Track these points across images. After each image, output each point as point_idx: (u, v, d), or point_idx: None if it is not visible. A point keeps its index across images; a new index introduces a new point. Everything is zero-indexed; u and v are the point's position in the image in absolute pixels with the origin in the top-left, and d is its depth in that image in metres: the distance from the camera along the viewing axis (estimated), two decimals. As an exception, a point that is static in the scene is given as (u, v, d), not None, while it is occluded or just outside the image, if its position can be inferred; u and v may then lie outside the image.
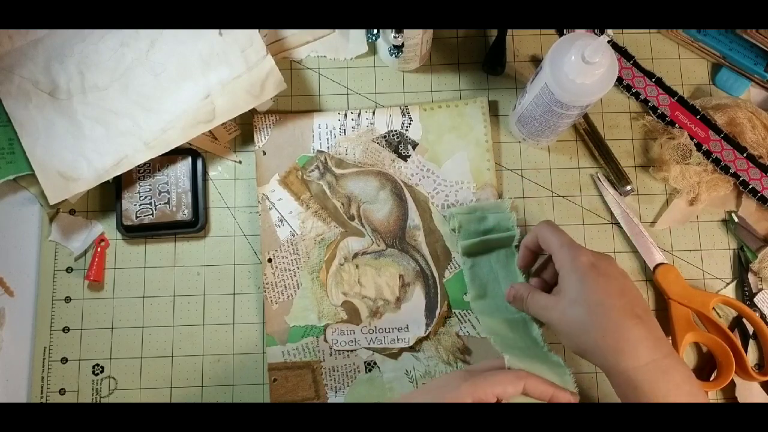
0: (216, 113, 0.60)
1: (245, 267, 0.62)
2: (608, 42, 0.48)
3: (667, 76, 0.65)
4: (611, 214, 0.63)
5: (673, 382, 0.46)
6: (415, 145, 0.63)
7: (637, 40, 0.67)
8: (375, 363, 0.60)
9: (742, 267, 0.62)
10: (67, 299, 0.61)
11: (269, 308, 0.60)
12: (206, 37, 0.61)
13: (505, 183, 0.64)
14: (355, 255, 0.61)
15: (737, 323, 0.61)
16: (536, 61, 0.67)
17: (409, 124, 0.64)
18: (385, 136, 0.64)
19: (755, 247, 0.62)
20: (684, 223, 0.63)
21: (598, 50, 0.49)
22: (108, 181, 0.59)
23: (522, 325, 0.56)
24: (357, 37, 0.66)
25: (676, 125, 0.64)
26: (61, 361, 0.60)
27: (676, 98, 0.64)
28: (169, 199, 0.61)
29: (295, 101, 0.65)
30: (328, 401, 0.59)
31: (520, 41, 0.67)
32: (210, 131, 0.63)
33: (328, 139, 0.63)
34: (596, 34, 0.60)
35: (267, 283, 0.60)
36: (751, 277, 0.62)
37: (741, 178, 0.62)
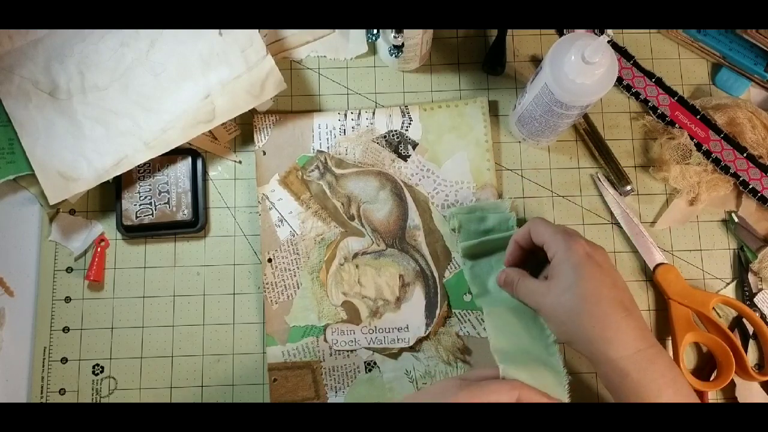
0: (216, 113, 0.60)
1: (245, 267, 0.62)
2: (608, 42, 0.48)
3: (667, 76, 0.65)
4: (611, 214, 0.63)
5: (658, 371, 0.48)
6: (415, 145, 0.63)
7: (637, 40, 0.67)
8: (375, 363, 0.60)
9: (742, 267, 0.62)
10: (67, 299, 0.61)
11: (269, 308, 0.60)
12: (206, 37, 0.61)
13: (505, 183, 0.64)
14: (355, 255, 0.61)
15: (737, 323, 0.61)
16: (536, 61, 0.67)
17: (409, 124, 0.64)
18: (385, 136, 0.64)
19: (755, 247, 0.62)
20: (684, 223, 0.63)
21: (598, 50, 0.49)
22: (108, 181, 0.59)
23: (529, 315, 0.55)
24: (357, 37, 0.66)
25: (676, 125, 0.64)
26: (61, 361, 0.60)
27: (676, 98, 0.64)
28: (169, 199, 0.61)
29: (295, 101, 0.65)
30: (328, 401, 0.59)
31: (520, 41, 0.67)
32: (210, 131, 0.63)
33: (328, 139, 0.63)
34: (596, 34, 0.60)
35: (267, 283, 0.60)
36: (751, 277, 0.62)
37: (741, 178, 0.62)
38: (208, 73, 0.60)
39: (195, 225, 0.61)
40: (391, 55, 0.61)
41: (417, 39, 0.59)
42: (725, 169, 0.63)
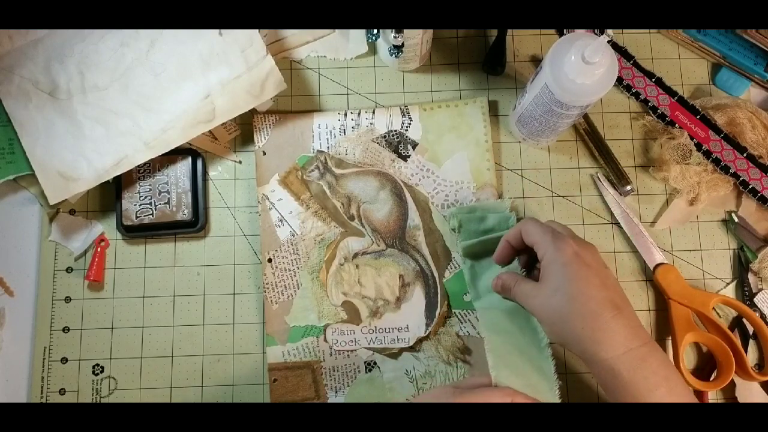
0: (216, 113, 0.60)
1: (245, 267, 0.62)
2: (608, 42, 0.48)
3: (667, 76, 0.65)
4: (611, 214, 0.63)
5: (650, 369, 0.48)
6: (414, 145, 0.63)
7: (637, 40, 0.67)
8: (375, 363, 0.60)
9: (742, 267, 0.62)
10: (67, 299, 0.61)
11: (269, 308, 0.60)
12: (206, 37, 0.61)
13: (505, 183, 0.64)
14: (355, 255, 0.61)
15: (737, 323, 0.61)
16: (536, 61, 0.67)
17: (409, 124, 0.64)
18: (384, 136, 0.64)
19: (755, 247, 0.62)
20: (684, 223, 0.63)
21: (598, 50, 0.49)
22: (108, 181, 0.59)
23: (523, 316, 0.56)
24: (357, 37, 0.66)
25: (676, 125, 0.64)
26: (61, 361, 0.60)
27: (676, 98, 0.64)
28: (169, 199, 0.61)
29: (295, 101, 0.65)
30: (328, 401, 0.59)
31: (520, 41, 0.67)
32: (210, 131, 0.63)
33: (328, 139, 0.63)
34: (596, 34, 0.60)
35: (267, 283, 0.60)
36: (751, 277, 0.62)
37: (741, 178, 0.62)
38: (208, 73, 0.60)
39: (195, 225, 0.61)
40: (391, 55, 0.61)
41: (417, 39, 0.59)
42: (725, 169, 0.63)
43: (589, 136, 0.65)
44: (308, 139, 0.63)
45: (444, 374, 0.59)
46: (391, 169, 0.63)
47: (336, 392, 0.59)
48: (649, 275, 0.62)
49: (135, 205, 0.61)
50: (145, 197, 0.61)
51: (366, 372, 0.60)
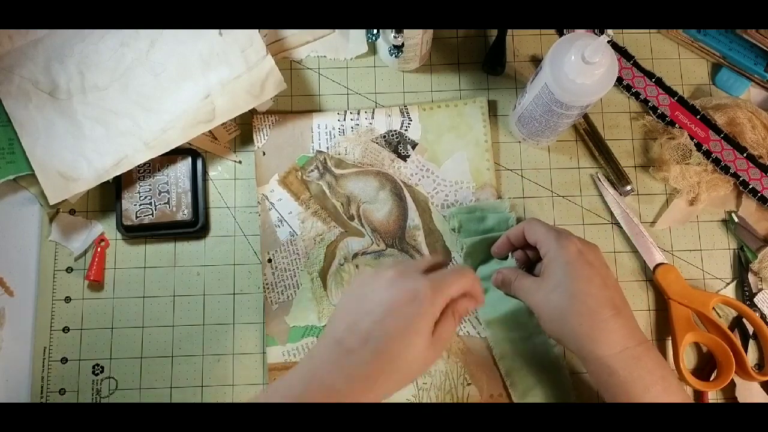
0: (216, 113, 0.60)
1: (245, 267, 0.62)
2: (608, 42, 0.48)
3: (667, 76, 0.65)
4: (611, 214, 0.63)
5: (645, 368, 0.48)
6: (414, 145, 0.63)
7: (637, 40, 0.67)
8: (375, 363, 0.60)
9: (742, 267, 0.62)
10: (67, 299, 0.61)
11: (269, 308, 0.60)
12: (206, 37, 0.61)
13: (505, 183, 0.64)
14: (355, 255, 0.61)
15: (737, 323, 0.61)
16: (536, 61, 0.67)
17: (409, 124, 0.64)
18: (384, 136, 0.64)
19: (755, 247, 0.62)
20: (684, 223, 0.63)
21: (598, 50, 0.49)
22: (108, 181, 0.59)
23: (525, 313, 0.56)
24: (357, 37, 0.66)
25: (676, 125, 0.64)
26: (61, 361, 0.60)
27: (676, 98, 0.64)
28: (169, 199, 0.61)
29: (295, 101, 0.65)
30: (328, 401, 0.59)
31: (520, 41, 0.67)
32: (210, 131, 0.63)
33: (327, 139, 0.63)
34: (596, 34, 0.60)
35: (267, 284, 0.60)
36: (751, 277, 0.62)
37: (741, 178, 0.62)
38: (208, 73, 0.60)
39: (195, 225, 0.61)
40: (391, 55, 0.61)
41: (417, 39, 0.59)
42: (725, 169, 0.63)
43: (589, 136, 0.65)
44: (308, 139, 0.63)
45: (444, 374, 0.59)
46: (390, 169, 0.63)
47: (336, 392, 0.59)
48: (649, 275, 0.62)
49: (135, 205, 0.61)
50: (145, 197, 0.61)
51: (366, 372, 0.59)
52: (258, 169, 0.62)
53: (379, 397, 0.44)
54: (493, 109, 0.65)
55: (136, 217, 0.60)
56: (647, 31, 0.68)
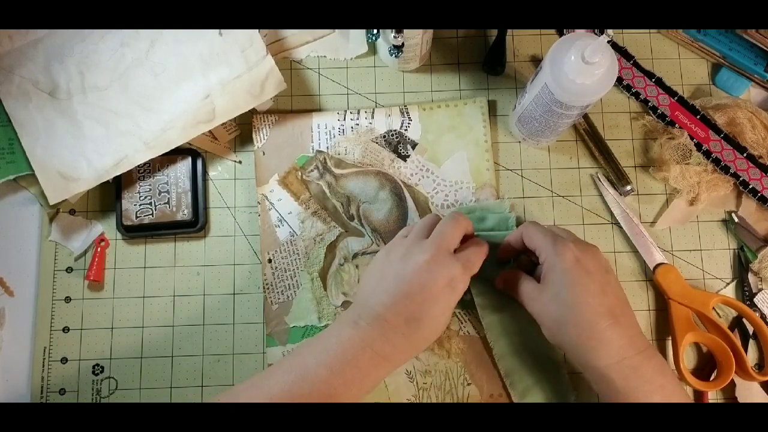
0: (216, 113, 0.60)
1: (245, 267, 0.62)
2: (608, 42, 0.48)
3: (667, 76, 0.65)
4: (611, 214, 0.63)
5: (643, 378, 0.48)
6: (414, 145, 0.63)
7: (637, 40, 0.67)
8: (375, 363, 0.60)
9: (742, 267, 0.62)
10: (67, 299, 0.61)
11: (269, 308, 0.60)
12: (206, 37, 0.61)
13: (505, 183, 0.64)
14: (355, 255, 0.61)
15: (737, 323, 0.61)
16: (536, 61, 0.67)
17: (409, 124, 0.64)
18: (384, 136, 0.64)
19: (755, 247, 0.62)
20: (684, 223, 0.63)
21: (598, 50, 0.49)
22: (108, 181, 0.59)
23: (524, 314, 0.56)
24: (357, 37, 0.66)
25: (676, 125, 0.64)
26: (61, 361, 0.60)
27: (676, 98, 0.64)
28: (169, 199, 0.61)
29: (295, 101, 0.65)
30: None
31: (520, 41, 0.67)
32: (210, 131, 0.63)
33: (327, 139, 0.63)
34: (596, 34, 0.60)
35: (267, 284, 0.60)
36: (751, 277, 0.62)
37: (741, 178, 0.62)
38: (208, 73, 0.60)
39: (195, 225, 0.61)
40: (391, 55, 0.61)
41: (417, 39, 0.59)
42: (725, 169, 0.63)
43: (589, 136, 0.65)
44: (307, 139, 0.63)
45: (444, 374, 0.59)
46: (390, 169, 0.63)
47: (336, 392, 0.59)
48: (649, 275, 0.62)
49: (135, 205, 0.61)
50: (145, 197, 0.61)
51: (366, 372, 0.59)
52: (258, 169, 0.62)
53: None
54: (493, 109, 0.65)
55: (136, 217, 0.60)
56: (647, 31, 0.68)
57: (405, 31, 0.57)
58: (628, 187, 0.63)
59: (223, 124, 0.60)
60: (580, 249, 0.50)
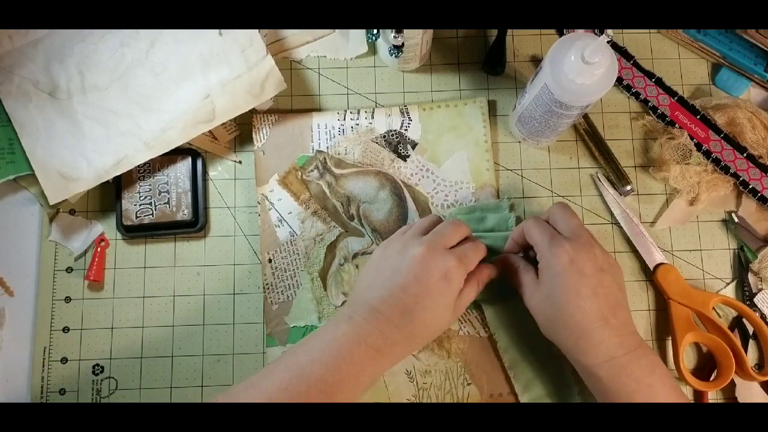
0: (216, 113, 0.60)
1: (245, 267, 0.62)
2: (608, 42, 0.48)
3: (667, 76, 0.65)
4: (611, 214, 0.63)
5: (631, 377, 0.49)
6: (414, 145, 0.63)
7: (637, 40, 0.67)
8: (375, 363, 0.60)
9: (742, 267, 0.62)
10: (67, 299, 0.61)
11: (269, 308, 0.60)
12: (206, 37, 0.61)
13: (505, 183, 0.64)
14: (355, 255, 0.61)
15: (737, 323, 0.61)
16: (536, 61, 0.67)
17: (409, 124, 0.64)
18: (384, 136, 0.64)
19: (755, 247, 0.62)
20: (684, 223, 0.63)
21: (598, 50, 0.49)
22: (108, 181, 0.59)
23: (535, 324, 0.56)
24: (357, 37, 0.66)
25: (676, 125, 0.64)
26: (61, 361, 0.60)
27: (676, 98, 0.64)
28: (169, 199, 0.61)
29: (295, 101, 0.65)
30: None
31: (520, 41, 0.67)
32: (210, 131, 0.63)
33: (327, 138, 0.63)
34: (596, 34, 0.60)
35: (267, 284, 0.60)
36: (751, 277, 0.62)
37: (741, 178, 0.62)
38: (208, 73, 0.60)
39: (195, 225, 0.61)
40: (391, 55, 0.61)
41: (417, 39, 0.59)
42: (725, 169, 0.63)
43: (589, 136, 0.65)
44: (307, 139, 0.63)
45: (444, 374, 0.59)
46: (390, 169, 0.63)
47: (336, 392, 0.59)
48: (649, 275, 0.62)
49: (135, 205, 0.61)
50: (145, 197, 0.61)
51: (366, 372, 0.59)
52: (258, 168, 0.62)
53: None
54: (493, 109, 0.65)
55: (136, 217, 0.60)
56: (647, 31, 0.68)
57: (405, 31, 0.57)
58: (628, 187, 0.63)
59: (223, 124, 0.60)
60: (574, 249, 0.50)
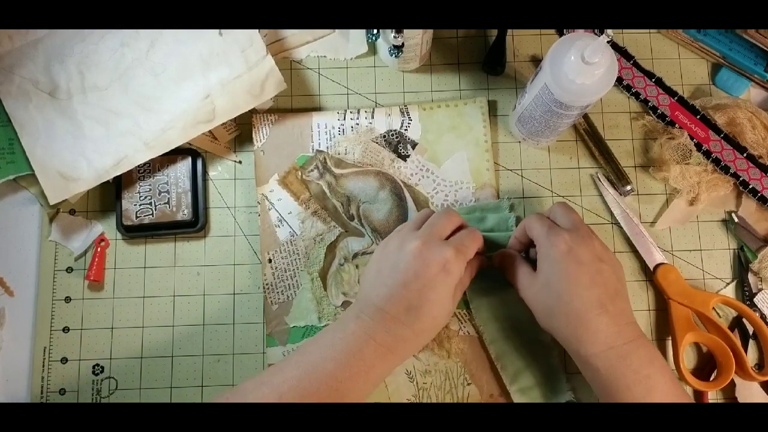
0: (216, 113, 0.60)
1: (245, 267, 0.62)
2: (608, 42, 0.48)
3: (667, 76, 0.65)
4: (611, 214, 0.63)
5: (630, 367, 0.48)
6: (414, 145, 0.63)
7: (637, 40, 0.67)
8: (375, 363, 0.60)
9: (742, 267, 0.62)
10: (67, 299, 0.61)
11: (269, 308, 0.60)
12: (206, 37, 0.61)
13: (505, 183, 0.64)
14: (355, 255, 0.61)
15: (737, 323, 0.61)
16: (536, 61, 0.67)
17: (409, 123, 0.64)
18: (384, 136, 0.64)
19: (755, 247, 0.62)
20: (684, 223, 0.63)
21: (597, 50, 0.49)
22: (108, 181, 0.59)
23: (514, 298, 0.56)
24: (357, 37, 0.66)
25: (676, 125, 0.64)
26: (61, 361, 0.60)
27: (676, 98, 0.64)
28: (169, 199, 0.61)
29: (295, 101, 0.65)
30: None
31: (520, 41, 0.67)
32: (210, 131, 0.63)
33: (327, 138, 0.63)
34: (596, 34, 0.60)
35: (267, 284, 0.60)
36: (751, 277, 0.62)
37: (741, 178, 0.62)
38: (208, 73, 0.60)
39: (195, 225, 0.61)
40: (391, 55, 0.61)
41: (417, 39, 0.59)
42: (725, 169, 0.63)
43: (589, 136, 0.65)
44: (307, 139, 0.63)
45: (444, 374, 0.59)
46: (390, 169, 0.63)
47: (336, 392, 0.59)
48: (649, 275, 0.62)
49: (135, 205, 0.61)
50: (145, 197, 0.61)
51: (366, 372, 0.59)
52: (258, 168, 0.62)
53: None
54: (493, 109, 0.65)
55: (136, 217, 0.60)
56: (647, 31, 0.68)
57: (405, 31, 0.57)
58: (628, 187, 0.63)
59: (223, 124, 0.60)
60: (573, 239, 0.51)
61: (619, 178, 0.63)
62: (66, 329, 0.60)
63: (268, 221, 0.62)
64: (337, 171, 0.63)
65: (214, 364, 0.60)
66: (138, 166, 0.59)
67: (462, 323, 0.60)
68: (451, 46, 0.67)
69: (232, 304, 0.61)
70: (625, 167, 0.64)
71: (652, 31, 0.68)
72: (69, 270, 0.61)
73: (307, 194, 0.62)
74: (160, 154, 0.59)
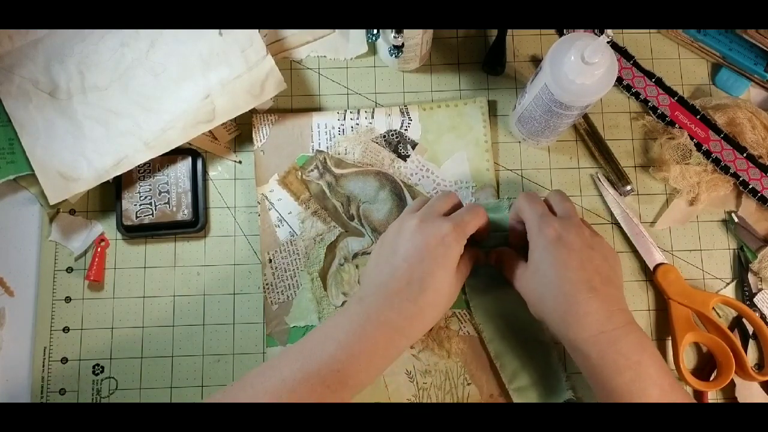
0: (216, 113, 0.60)
1: (245, 267, 0.62)
2: (608, 42, 0.48)
3: (667, 76, 0.65)
4: (611, 214, 0.63)
5: (620, 352, 0.48)
6: (414, 145, 0.63)
7: (637, 40, 0.67)
8: (375, 363, 0.60)
9: (742, 267, 0.62)
10: (67, 299, 0.61)
11: (269, 308, 0.60)
12: (206, 37, 0.61)
13: (505, 183, 0.64)
14: (355, 255, 0.61)
15: (737, 323, 0.61)
16: (536, 61, 0.67)
17: (409, 123, 0.64)
18: (384, 136, 0.64)
19: (755, 247, 0.62)
20: (684, 223, 0.63)
21: (597, 50, 0.49)
22: (108, 181, 0.59)
23: (513, 296, 0.56)
24: (357, 37, 0.66)
25: (676, 125, 0.64)
26: (61, 361, 0.60)
27: (676, 98, 0.64)
28: (169, 199, 0.61)
29: (295, 101, 0.65)
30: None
31: (520, 41, 0.67)
32: (210, 131, 0.63)
33: (327, 138, 0.63)
34: (596, 34, 0.60)
35: (267, 284, 0.60)
36: (751, 277, 0.62)
37: (741, 178, 0.62)
38: (208, 73, 0.60)
39: (195, 225, 0.61)
40: (391, 55, 0.61)
41: (417, 39, 0.59)
42: (725, 169, 0.63)
43: (589, 136, 0.65)
44: (307, 139, 0.63)
45: (444, 374, 0.59)
46: (390, 169, 0.63)
47: (336, 392, 0.59)
48: (649, 275, 0.62)
49: (135, 205, 0.61)
50: (145, 197, 0.61)
51: (366, 372, 0.59)
52: (258, 168, 0.62)
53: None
54: (493, 109, 0.65)
55: (136, 217, 0.60)
56: (647, 31, 0.68)
57: (405, 31, 0.57)
58: (628, 187, 0.63)
59: (223, 124, 0.60)
60: (563, 226, 0.51)
61: (619, 178, 0.63)
62: (66, 329, 0.60)
63: (268, 221, 0.62)
64: (337, 171, 0.63)
65: (214, 364, 0.60)
66: (138, 166, 0.59)
67: (462, 323, 0.60)
68: (451, 46, 0.67)
69: (232, 304, 0.61)
70: (625, 167, 0.64)
71: (652, 31, 0.68)
72: (69, 270, 0.61)
73: (307, 194, 0.62)
74: (160, 154, 0.59)
